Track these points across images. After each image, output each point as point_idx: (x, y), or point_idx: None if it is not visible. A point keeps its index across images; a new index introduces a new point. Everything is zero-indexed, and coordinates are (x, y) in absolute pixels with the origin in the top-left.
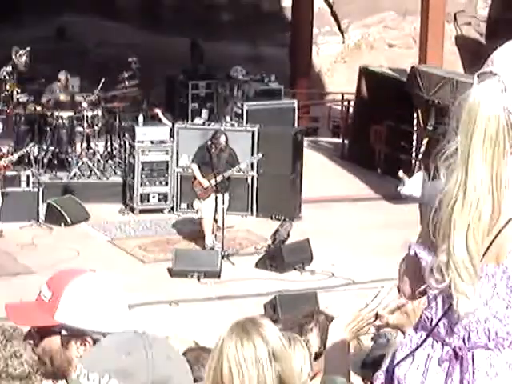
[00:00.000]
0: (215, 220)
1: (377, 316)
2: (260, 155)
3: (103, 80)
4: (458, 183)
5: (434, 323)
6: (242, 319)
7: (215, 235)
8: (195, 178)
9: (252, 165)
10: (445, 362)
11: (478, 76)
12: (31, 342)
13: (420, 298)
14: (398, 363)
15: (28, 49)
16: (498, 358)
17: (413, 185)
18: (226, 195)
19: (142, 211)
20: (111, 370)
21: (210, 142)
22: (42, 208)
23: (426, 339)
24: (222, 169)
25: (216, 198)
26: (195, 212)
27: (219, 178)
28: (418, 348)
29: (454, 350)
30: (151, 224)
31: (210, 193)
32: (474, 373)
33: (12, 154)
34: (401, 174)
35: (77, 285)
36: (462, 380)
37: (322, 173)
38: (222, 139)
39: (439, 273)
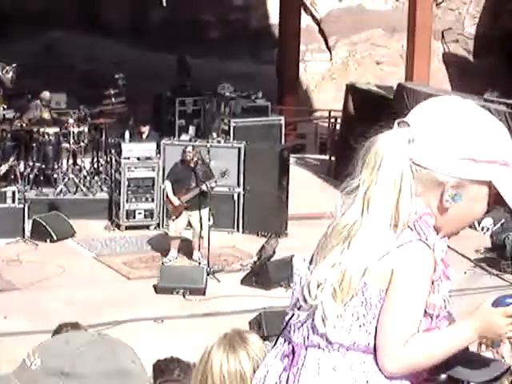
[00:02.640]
0: (201, 236)
1: None
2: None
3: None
4: (355, 218)
5: (285, 323)
6: (230, 332)
7: (201, 253)
8: (167, 196)
9: (238, 181)
10: (286, 357)
11: (398, 123)
12: None
13: None
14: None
15: (15, 65)
16: (326, 359)
17: None
18: (205, 211)
19: (128, 227)
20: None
21: (180, 159)
22: (28, 224)
23: (277, 339)
24: (193, 185)
25: (189, 215)
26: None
27: (189, 195)
28: (272, 348)
29: (293, 346)
30: (137, 240)
31: (180, 210)
32: (301, 369)
33: None
34: None
35: None
36: (289, 374)
37: (308, 190)
38: (187, 156)
39: (309, 290)
